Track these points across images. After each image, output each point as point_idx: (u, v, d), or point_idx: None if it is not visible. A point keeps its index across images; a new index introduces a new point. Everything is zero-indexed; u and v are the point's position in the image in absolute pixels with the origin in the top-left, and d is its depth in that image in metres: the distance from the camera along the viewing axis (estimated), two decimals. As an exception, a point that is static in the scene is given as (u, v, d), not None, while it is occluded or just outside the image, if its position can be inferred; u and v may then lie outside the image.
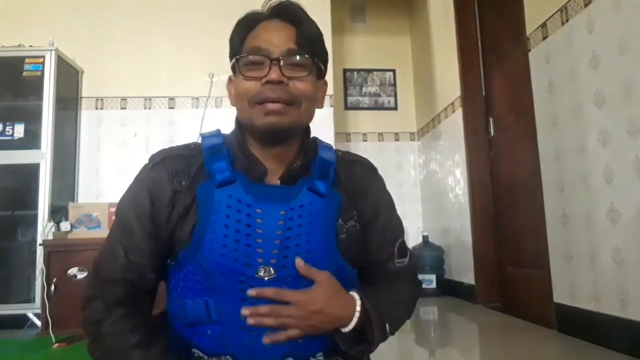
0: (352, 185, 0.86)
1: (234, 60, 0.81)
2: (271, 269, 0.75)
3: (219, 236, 0.75)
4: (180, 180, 0.79)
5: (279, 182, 0.81)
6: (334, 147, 0.90)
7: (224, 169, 0.77)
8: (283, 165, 0.82)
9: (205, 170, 0.79)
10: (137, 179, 0.82)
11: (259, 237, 0.75)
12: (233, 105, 0.83)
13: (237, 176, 0.78)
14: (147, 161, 0.83)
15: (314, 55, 0.80)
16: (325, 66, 0.86)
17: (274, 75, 0.75)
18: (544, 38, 2.29)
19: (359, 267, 0.87)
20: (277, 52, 0.76)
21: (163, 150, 0.83)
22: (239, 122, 0.83)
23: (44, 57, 2.91)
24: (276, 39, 0.78)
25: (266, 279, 0.75)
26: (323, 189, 0.80)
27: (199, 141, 0.84)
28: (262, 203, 0.76)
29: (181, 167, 0.80)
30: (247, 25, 0.82)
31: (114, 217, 0.84)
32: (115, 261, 0.78)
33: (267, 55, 0.76)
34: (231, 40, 0.84)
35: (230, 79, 0.85)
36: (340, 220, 0.82)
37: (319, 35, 0.83)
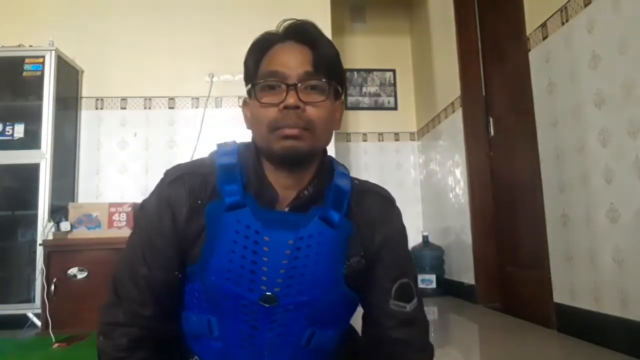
0: (362, 217, 0.82)
1: (250, 85, 0.80)
2: (274, 296, 0.75)
3: (225, 260, 0.74)
4: (197, 199, 0.78)
5: (287, 209, 0.79)
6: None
7: (234, 192, 0.76)
8: (297, 189, 0.80)
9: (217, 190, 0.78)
10: (154, 193, 0.81)
11: (264, 265, 0.74)
12: (248, 129, 0.82)
13: (248, 200, 0.76)
14: (162, 175, 0.82)
15: (330, 78, 0.78)
16: (343, 86, 0.84)
17: (291, 100, 0.74)
18: (544, 38, 2.29)
19: (363, 303, 0.85)
20: (294, 76, 0.75)
21: (179, 166, 0.82)
22: (255, 145, 0.82)
23: (44, 57, 2.90)
24: (292, 61, 0.77)
25: (268, 305, 0.75)
26: (336, 219, 0.77)
27: (214, 153, 0.83)
28: (271, 230, 0.74)
29: (199, 185, 0.79)
30: (261, 48, 0.81)
31: (130, 234, 0.82)
32: (139, 281, 0.77)
33: (284, 79, 0.75)
34: (245, 63, 0.82)
35: (245, 101, 0.84)
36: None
37: (336, 56, 0.82)
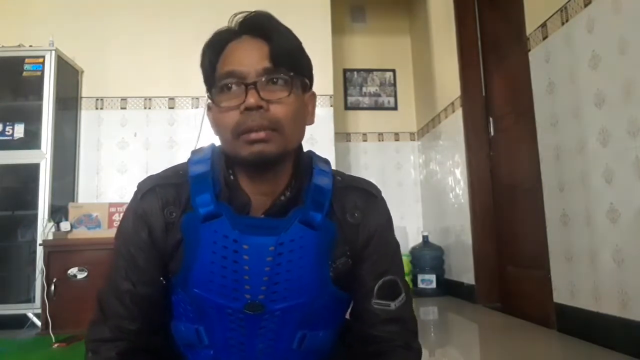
0: (345, 216, 0.78)
1: (208, 89, 0.76)
2: (259, 303, 0.73)
3: (206, 272, 0.72)
4: (171, 211, 0.76)
5: (262, 215, 0.76)
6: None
7: (207, 203, 0.73)
8: (273, 195, 0.76)
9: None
10: (129, 209, 0.79)
11: (246, 273, 0.72)
12: (216, 135, 0.76)
13: (223, 209, 0.73)
14: (135, 189, 0.80)
15: (292, 70, 0.72)
16: (310, 77, 0.79)
17: (251, 100, 0.68)
18: (544, 38, 2.29)
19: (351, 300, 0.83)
20: (252, 74, 0.70)
21: (151, 178, 0.79)
22: (224, 152, 0.78)
23: (44, 57, 2.90)
24: (249, 58, 0.71)
25: (253, 313, 0.73)
26: (317, 220, 0.73)
27: (188, 161, 0.80)
28: (250, 238, 0.71)
29: (172, 197, 0.76)
30: (216, 48, 0.75)
31: (112, 252, 0.81)
32: (123, 297, 0.76)
33: (242, 79, 0.70)
34: (202, 65, 0.77)
35: (209, 106, 0.77)
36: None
37: (297, 45, 0.75)
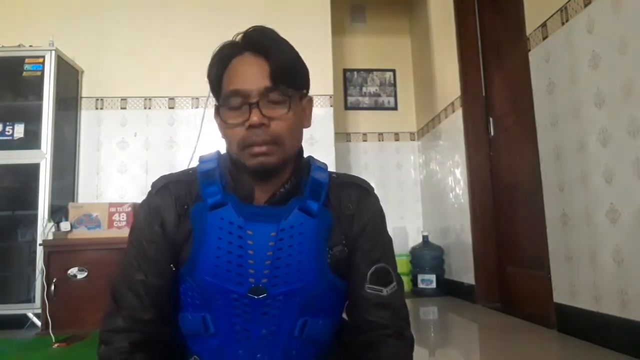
0: (342, 208, 0.85)
1: (215, 105, 0.84)
2: (263, 287, 0.77)
3: (212, 257, 0.77)
4: (183, 205, 0.82)
5: (265, 204, 0.82)
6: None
7: (215, 193, 0.80)
8: (275, 188, 0.83)
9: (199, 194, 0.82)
10: (143, 205, 0.85)
11: (250, 258, 0.77)
12: (223, 138, 0.84)
13: (228, 198, 0.80)
14: (150, 188, 0.86)
15: (291, 85, 0.80)
16: (307, 84, 0.86)
17: (255, 118, 0.76)
18: (544, 38, 2.29)
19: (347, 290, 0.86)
20: (255, 92, 0.77)
21: (164, 177, 0.87)
22: (229, 153, 0.85)
23: (44, 57, 2.90)
24: (251, 77, 0.78)
25: (257, 297, 0.77)
26: (315, 208, 0.81)
27: (198, 164, 0.87)
28: (253, 224, 0.78)
29: (184, 192, 0.83)
30: (222, 61, 0.84)
31: (126, 246, 0.85)
32: (136, 287, 0.80)
33: (245, 97, 0.77)
34: (209, 75, 0.86)
35: (217, 110, 0.85)
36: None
37: (294, 58, 0.83)
